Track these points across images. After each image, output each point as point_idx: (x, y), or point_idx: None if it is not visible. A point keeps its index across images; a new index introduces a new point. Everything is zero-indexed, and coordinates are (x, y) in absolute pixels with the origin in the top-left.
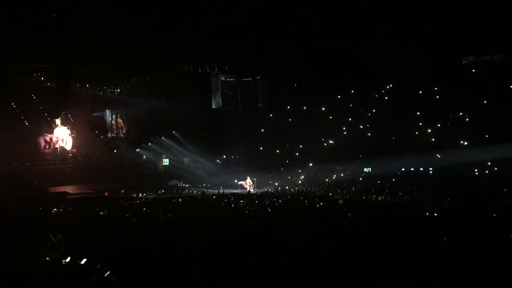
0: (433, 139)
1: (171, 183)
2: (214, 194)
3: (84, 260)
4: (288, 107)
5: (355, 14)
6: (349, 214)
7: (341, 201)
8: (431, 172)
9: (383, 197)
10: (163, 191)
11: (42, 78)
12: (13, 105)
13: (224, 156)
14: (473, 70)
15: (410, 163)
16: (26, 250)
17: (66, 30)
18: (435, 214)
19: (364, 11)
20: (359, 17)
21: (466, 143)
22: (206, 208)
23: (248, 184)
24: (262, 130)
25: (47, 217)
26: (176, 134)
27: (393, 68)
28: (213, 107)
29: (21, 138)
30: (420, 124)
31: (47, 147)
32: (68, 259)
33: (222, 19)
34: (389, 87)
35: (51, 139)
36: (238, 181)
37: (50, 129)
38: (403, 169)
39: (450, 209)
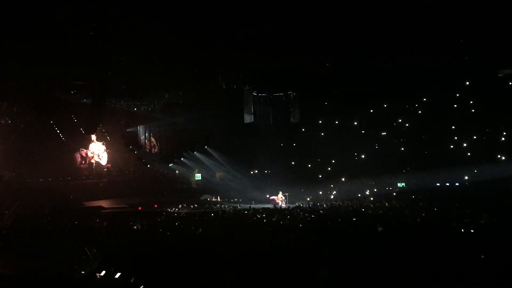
0: (469, 153)
1: (203, 197)
2: (246, 209)
3: (118, 274)
4: (320, 122)
5: (388, 27)
6: (380, 228)
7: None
8: (467, 187)
9: (417, 213)
10: (195, 205)
11: (79, 94)
12: (51, 121)
13: (256, 171)
14: (510, 83)
15: (446, 178)
16: (62, 263)
17: (102, 47)
18: (472, 231)
19: (397, 24)
20: (393, 30)
21: (503, 157)
22: (238, 223)
23: (280, 199)
24: (294, 145)
25: (82, 231)
26: (209, 149)
27: (427, 81)
28: (245, 122)
29: (58, 153)
30: (456, 138)
31: (83, 162)
32: (103, 273)
33: (255, 34)
34: (424, 100)
35: (87, 154)
36: (270, 196)
37: (86, 144)
38: (438, 184)
39: (488, 225)
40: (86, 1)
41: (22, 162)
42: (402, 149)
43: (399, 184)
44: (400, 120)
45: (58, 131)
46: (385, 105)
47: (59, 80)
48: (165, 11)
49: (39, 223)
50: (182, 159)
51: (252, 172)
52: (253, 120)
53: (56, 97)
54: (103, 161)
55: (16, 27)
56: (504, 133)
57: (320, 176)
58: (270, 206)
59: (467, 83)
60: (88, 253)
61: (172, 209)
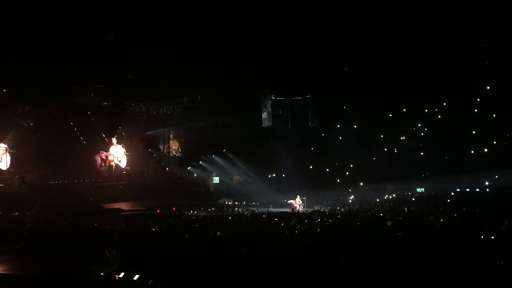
0: (489, 159)
1: (221, 201)
2: (263, 213)
3: (136, 276)
4: (338, 126)
5: (408, 32)
6: (400, 234)
7: (389, 223)
8: (487, 192)
9: (436, 219)
10: (213, 208)
11: (99, 98)
12: (72, 124)
13: (274, 175)
14: None
15: (466, 183)
16: (81, 265)
17: (122, 51)
18: (492, 237)
19: (417, 28)
20: (412, 34)
21: None
22: (256, 226)
23: (297, 203)
24: (312, 149)
25: (102, 233)
26: (227, 153)
27: (447, 85)
28: (263, 125)
29: (78, 155)
30: (476, 143)
31: (103, 164)
32: (121, 275)
33: (274, 38)
34: (443, 105)
35: (107, 157)
36: (287, 200)
37: (106, 147)
38: (458, 190)
39: (508, 231)
40: (107, 6)
41: (43, 165)
42: (422, 154)
43: (418, 189)
44: (419, 125)
45: (79, 134)
46: (404, 110)
47: (80, 84)
48: (185, 16)
49: (60, 225)
50: (200, 162)
51: (270, 176)
52: (271, 124)
53: (76, 101)
54: (123, 164)
55: (37, 32)
56: None
57: (338, 180)
58: (288, 210)
59: (488, 87)
60: (107, 255)
61: (190, 212)
